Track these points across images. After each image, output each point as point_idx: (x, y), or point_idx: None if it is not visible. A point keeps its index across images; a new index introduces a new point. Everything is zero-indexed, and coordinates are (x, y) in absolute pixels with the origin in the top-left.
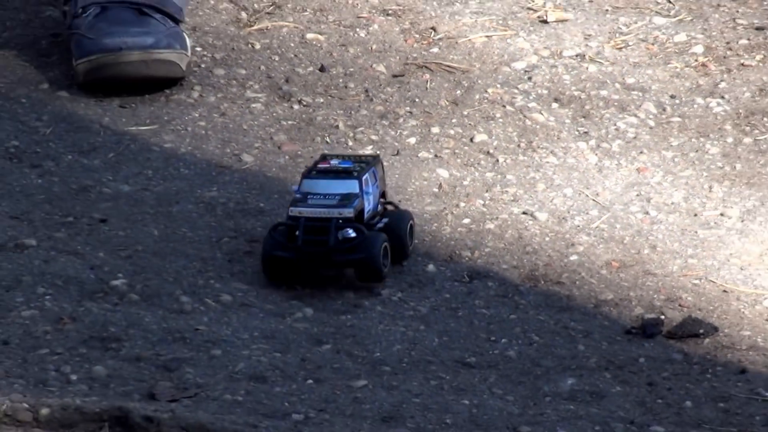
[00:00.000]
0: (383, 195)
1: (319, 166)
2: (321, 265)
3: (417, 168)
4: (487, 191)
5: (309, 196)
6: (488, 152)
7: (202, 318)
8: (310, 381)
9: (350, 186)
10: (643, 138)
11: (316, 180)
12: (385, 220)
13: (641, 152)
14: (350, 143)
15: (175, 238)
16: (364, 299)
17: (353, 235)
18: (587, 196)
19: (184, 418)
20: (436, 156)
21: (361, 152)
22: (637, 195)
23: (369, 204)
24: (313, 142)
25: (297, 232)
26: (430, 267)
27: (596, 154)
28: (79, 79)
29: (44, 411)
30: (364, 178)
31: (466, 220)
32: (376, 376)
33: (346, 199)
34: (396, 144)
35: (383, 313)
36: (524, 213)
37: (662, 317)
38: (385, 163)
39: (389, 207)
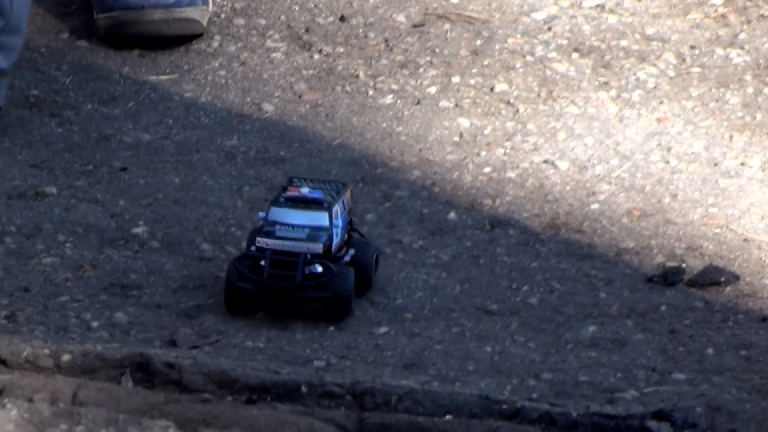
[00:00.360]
0: (350, 223)
1: (289, 194)
2: (286, 300)
3: (437, 117)
4: (507, 140)
5: (277, 227)
6: (508, 102)
7: (223, 265)
8: (332, 328)
9: (320, 218)
10: (663, 88)
11: (286, 210)
12: (351, 251)
13: (661, 102)
14: (370, 92)
15: (196, 186)
16: (386, 247)
17: (320, 271)
18: (608, 145)
19: (205, 365)
20: (456, 105)
21: (329, 178)
22: (658, 144)
23: (337, 237)
24: (333, 91)
25: (263, 264)
26: (452, 215)
27: (616, 104)
28: (99, 33)
29: (65, 357)
30: (334, 210)
31: (487, 169)
32: (398, 323)
33: (315, 234)
34: (416, 93)
35: (405, 260)
36: (545, 162)
37: (683, 266)
38: (405, 113)
39: (354, 234)
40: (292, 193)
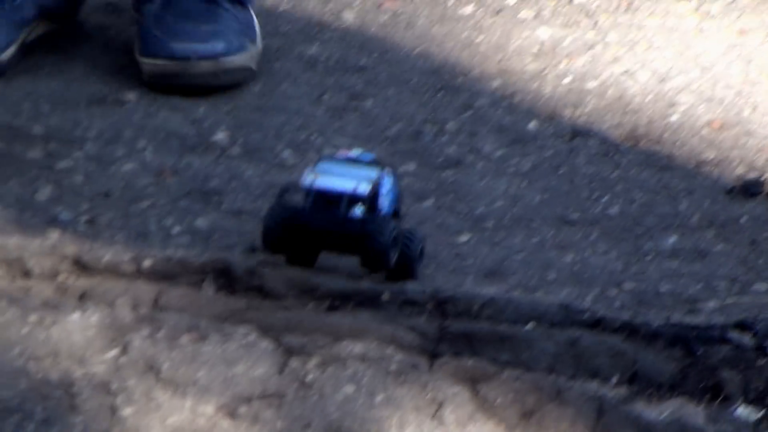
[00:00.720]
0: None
1: (339, 153)
2: (325, 238)
3: (517, 28)
4: (587, 51)
5: (325, 168)
6: (588, 13)
7: (304, 172)
8: None
9: (369, 173)
10: (743, 0)
11: (336, 163)
12: (394, 222)
13: (742, 14)
14: (450, 2)
15: (276, 94)
16: (466, 155)
17: (363, 212)
18: (688, 57)
19: (286, 272)
20: (536, 16)
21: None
22: (738, 56)
23: (384, 200)
24: (412, 1)
25: (305, 203)
26: (532, 124)
27: (696, 16)
28: (143, 76)
29: (146, 263)
30: (385, 170)
31: (567, 79)
32: (478, 232)
33: (363, 178)
34: (496, 4)
35: (485, 169)
36: (625, 73)
37: (763, 177)
38: (485, 23)
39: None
40: (340, 153)
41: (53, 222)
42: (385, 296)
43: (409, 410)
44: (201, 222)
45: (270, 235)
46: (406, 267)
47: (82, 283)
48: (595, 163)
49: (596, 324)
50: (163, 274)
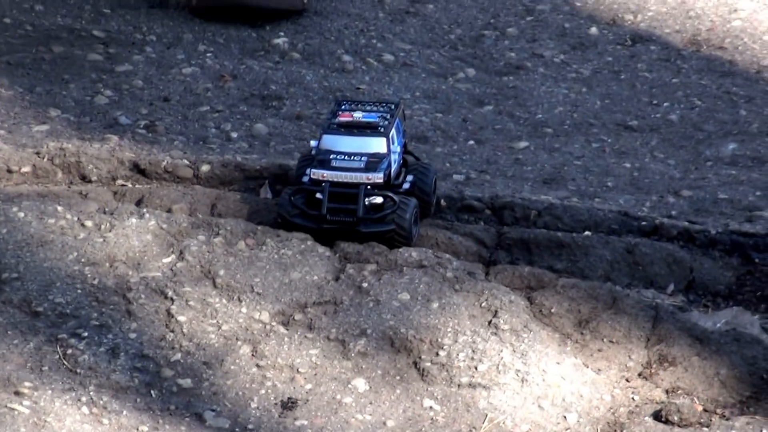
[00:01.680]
0: (404, 146)
1: (341, 119)
2: (346, 235)
3: None
4: None
5: (332, 156)
6: None
7: (364, 77)
8: (472, 142)
9: (377, 145)
10: None
11: (339, 136)
12: (410, 177)
13: None
14: None
15: None
16: (527, 61)
17: (381, 202)
18: None
19: None
20: None
21: (380, 98)
22: None
23: (395, 163)
24: None
25: (319, 197)
26: (593, 29)
27: None
28: (192, 2)
29: (204, 167)
30: (390, 135)
31: None
32: (538, 137)
33: (373, 162)
34: None
35: (545, 74)
36: None
37: None
38: None
39: (408, 157)
40: (344, 118)
41: (112, 126)
42: (443, 202)
43: (464, 318)
44: (260, 127)
45: (286, 222)
46: (424, 209)
47: (140, 188)
48: (656, 68)
49: (653, 231)
50: (221, 179)
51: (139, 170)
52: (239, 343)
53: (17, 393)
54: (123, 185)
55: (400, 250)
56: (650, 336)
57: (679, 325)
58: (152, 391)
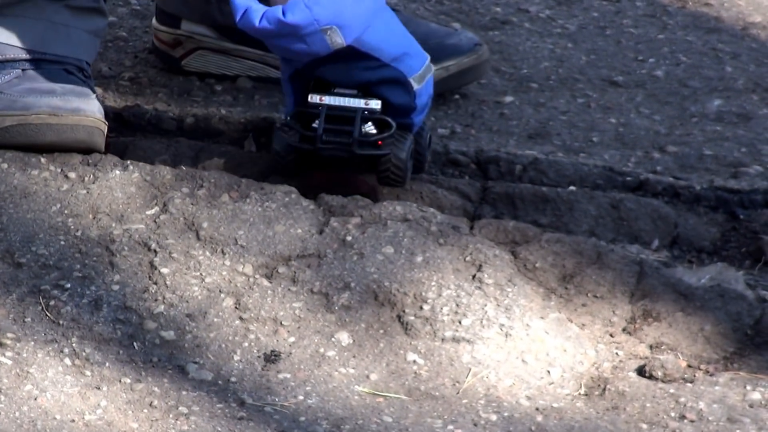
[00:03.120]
0: None
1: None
2: (341, 158)
3: None
4: None
5: (331, 87)
6: None
7: None
8: (457, 96)
9: (373, 103)
10: None
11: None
12: (410, 135)
13: None
14: None
15: None
16: (512, 16)
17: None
18: None
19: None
20: None
21: None
22: None
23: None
24: None
25: (316, 125)
26: None
27: None
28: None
29: (189, 120)
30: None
31: None
32: (523, 92)
33: (371, 103)
34: None
35: (531, 30)
36: None
37: None
38: None
39: None
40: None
41: (95, 78)
42: (428, 156)
43: (448, 272)
44: (244, 80)
45: (283, 155)
46: (418, 163)
47: (124, 140)
48: (642, 24)
49: (639, 187)
50: (205, 132)
51: (122, 122)
52: (222, 295)
53: (0, 344)
54: (108, 137)
55: (384, 203)
56: (634, 291)
57: (664, 281)
58: (135, 343)
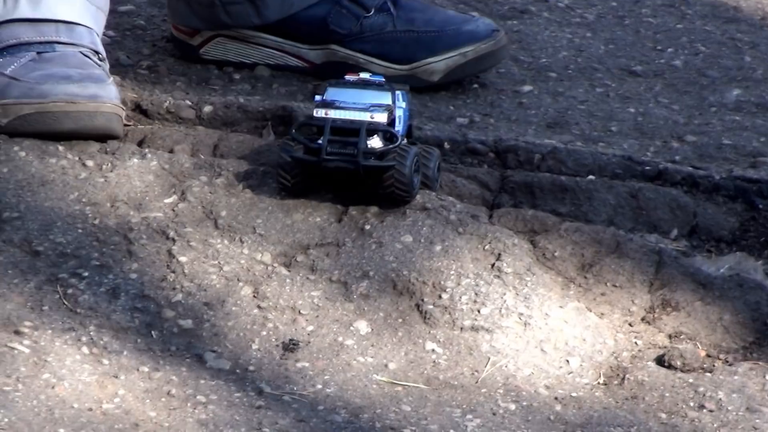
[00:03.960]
0: (410, 131)
1: (347, 77)
2: (346, 171)
3: None
4: None
5: (336, 102)
6: None
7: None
8: (476, 85)
9: (382, 97)
10: None
11: (344, 89)
12: (414, 148)
13: None
14: None
15: None
16: (531, 5)
17: (383, 144)
18: None
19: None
20: None
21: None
22: None
23: (399, 122)
24: None
25: (320, 143)
26: None
27: None
28: None
29: (207, 109)
30: (397, 92)
31: None
32: (542, 82)
33: (378, 106)
34: None
35: (550, 19)
36: None
37: None
38: None
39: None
40: (350, 77)
41: (113, 66)
42: (447, 145)
43: (467, 261)
44: (262, 68)
45: (286, 174)
46: (426, 186)
47: (142, 128)
48: (661, 14)
49: (657, 176)
50: (223, 121)
51: (141, 111)
52: (240, 284)
53: (17, 332)
54: (125, 125)
55: None
56: (653, 281)
57: (683, 270)
58: (153, 332)
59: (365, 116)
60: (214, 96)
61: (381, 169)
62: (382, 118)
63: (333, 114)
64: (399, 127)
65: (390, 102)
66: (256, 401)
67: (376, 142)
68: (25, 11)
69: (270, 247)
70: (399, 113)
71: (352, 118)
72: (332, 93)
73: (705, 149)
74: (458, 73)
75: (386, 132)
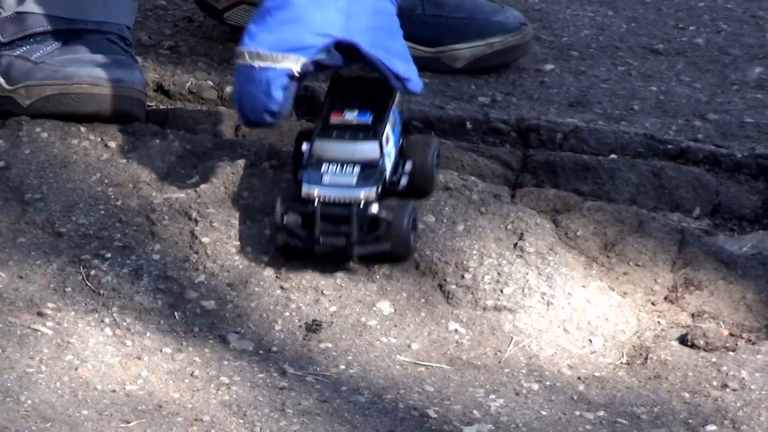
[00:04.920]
0: (401, 150)
1: (333, 120)
2: (341, 256)
3: None
4: None
5: (323, 168)
6: None
7: None
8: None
9: (370, 151)
10: None
11: (331, 143)
12: (408, 166)
13: None
14: None
15: None
16: None
17: (375, 216)
18: None
19: None
20: None
21: (374, 78)
22: None
23: (390, 161)
24: None
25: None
26: None
27: None
28: None
29: (229, 89)
30: (385, 135)
31: None
32: (564, 60)
33: (367, 173)
34: None
35: None
36: None
37: None
38: None
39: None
40: (335, 119)
41: (135, 47)
42: (469, 125)
43: (490, 240)
44: None
45: (283, 249)
46: (423, 186)
47: (164, 108)
48: None
49: (679, 155)
50: None
51: (163, 91)
52: (263, 264)
53: (40, 314)
54: (147, 106)
55: None
56: (676, 260)
57: (705, 249)
58: (176, 313)
59: (357, 194)
60: None
61: (379, 252)
62: (371, 193)
63: (322, 192)
64: (389, 165)
65: (378, 155)
66: (279, 382)
67: (369, 215)
68: None
69: None
70: (388, 160)
71: (342, 198)
72: (319, 147)
73: (727, 127)
74: (482, 62)
75: (378, 210)
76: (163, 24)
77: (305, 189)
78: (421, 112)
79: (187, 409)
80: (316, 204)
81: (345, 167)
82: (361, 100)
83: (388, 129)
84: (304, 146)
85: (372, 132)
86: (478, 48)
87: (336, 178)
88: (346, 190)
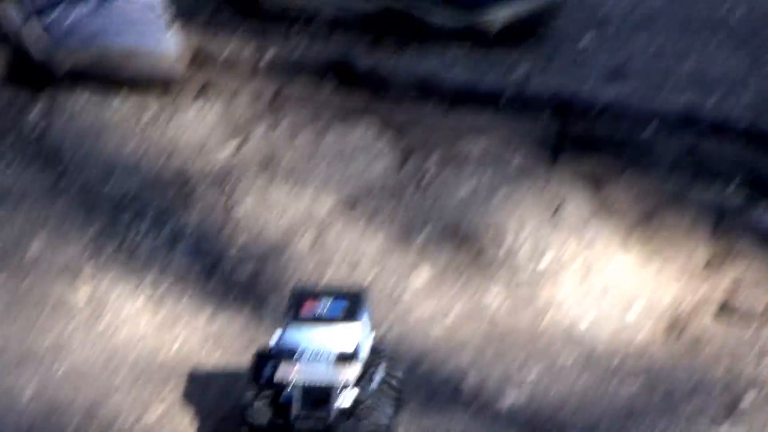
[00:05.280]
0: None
1: (304, 314)
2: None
3: None
4: None
5: (298, 353)
6: None
7: None
8: (533, 38)
9: (346, 340)
10: None
11: (301, 331)
12: (377, 377)
13: None
14: None
15: None
16: None
17: (354, 399)
18: None
19: (408, 68)
20: None
21: (340, 289)
22: None
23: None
24: None
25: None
26: None
27: None
28: None
29: (267, 56)
30: (363, 320)
31: None
32: (601, 34)
33: (344, 355)
34: None
35: None
36: None
37: None
38: None
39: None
40: (307, 309)
41: (172, 12)
42: (505, 97)
43: (528, 209)
44: (322, 17)
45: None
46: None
47: (202, 76)
48: None
49: (717, 129)
50: (284, 69)
51: (201, 59)
52: (300, 232)
53: (75, 280)
54: (185, 73)
55: (462, 141)
56: (714, 231)
57: (742, 222)
58: (212, 280)
59: (335, 375)
60: (274, 45)
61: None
62: (351, 376)
63: (300, 376)
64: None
65: (357, 351)
66: None
67: (348, 398)
68: None
69: (330, 195)
70: (364, 346)
71: (320, 382)
72: (291, 335)
73: (765, 102)
74: (515, 25)
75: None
76: None
77: (280, 373)
78: (458, 82)
79: (223, 375)
80: (291, 390)
81: (321, 353)
82: (328, 294)
83: (365, 317)
84: (272, 342)
85: (346, 314)
86: (513, 9)
87: (314, 357)
88: (324, 370)
